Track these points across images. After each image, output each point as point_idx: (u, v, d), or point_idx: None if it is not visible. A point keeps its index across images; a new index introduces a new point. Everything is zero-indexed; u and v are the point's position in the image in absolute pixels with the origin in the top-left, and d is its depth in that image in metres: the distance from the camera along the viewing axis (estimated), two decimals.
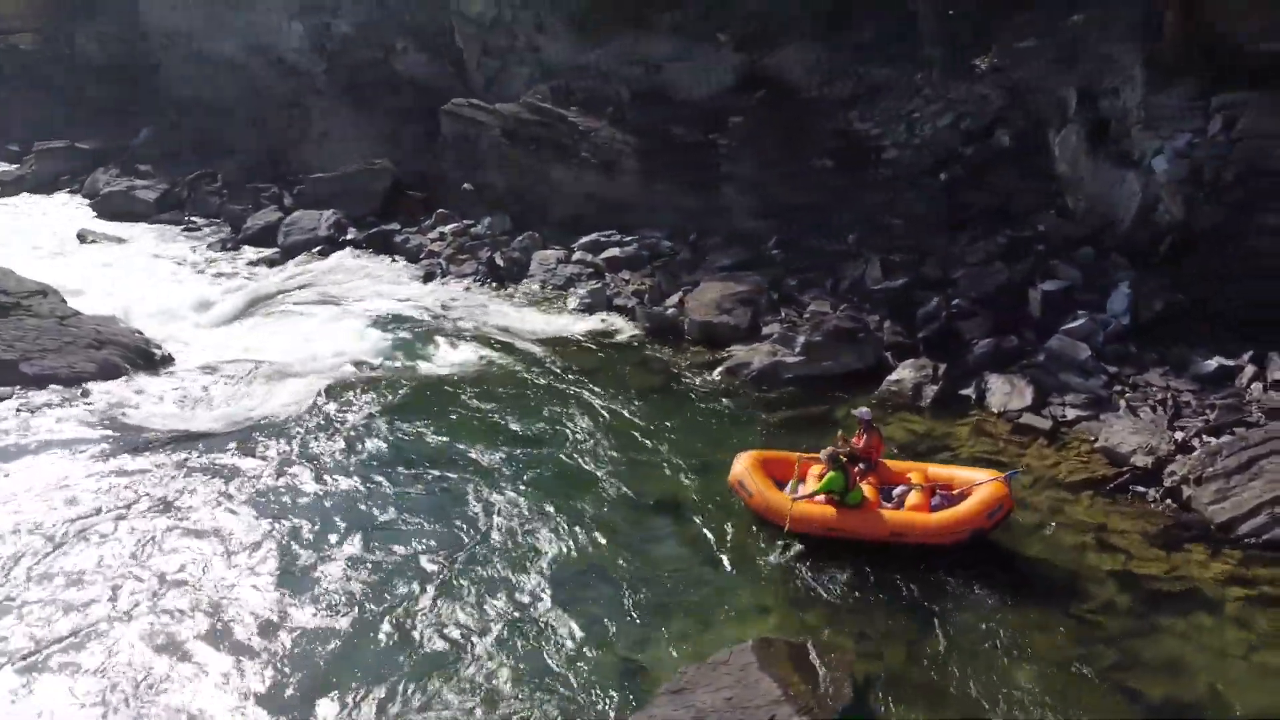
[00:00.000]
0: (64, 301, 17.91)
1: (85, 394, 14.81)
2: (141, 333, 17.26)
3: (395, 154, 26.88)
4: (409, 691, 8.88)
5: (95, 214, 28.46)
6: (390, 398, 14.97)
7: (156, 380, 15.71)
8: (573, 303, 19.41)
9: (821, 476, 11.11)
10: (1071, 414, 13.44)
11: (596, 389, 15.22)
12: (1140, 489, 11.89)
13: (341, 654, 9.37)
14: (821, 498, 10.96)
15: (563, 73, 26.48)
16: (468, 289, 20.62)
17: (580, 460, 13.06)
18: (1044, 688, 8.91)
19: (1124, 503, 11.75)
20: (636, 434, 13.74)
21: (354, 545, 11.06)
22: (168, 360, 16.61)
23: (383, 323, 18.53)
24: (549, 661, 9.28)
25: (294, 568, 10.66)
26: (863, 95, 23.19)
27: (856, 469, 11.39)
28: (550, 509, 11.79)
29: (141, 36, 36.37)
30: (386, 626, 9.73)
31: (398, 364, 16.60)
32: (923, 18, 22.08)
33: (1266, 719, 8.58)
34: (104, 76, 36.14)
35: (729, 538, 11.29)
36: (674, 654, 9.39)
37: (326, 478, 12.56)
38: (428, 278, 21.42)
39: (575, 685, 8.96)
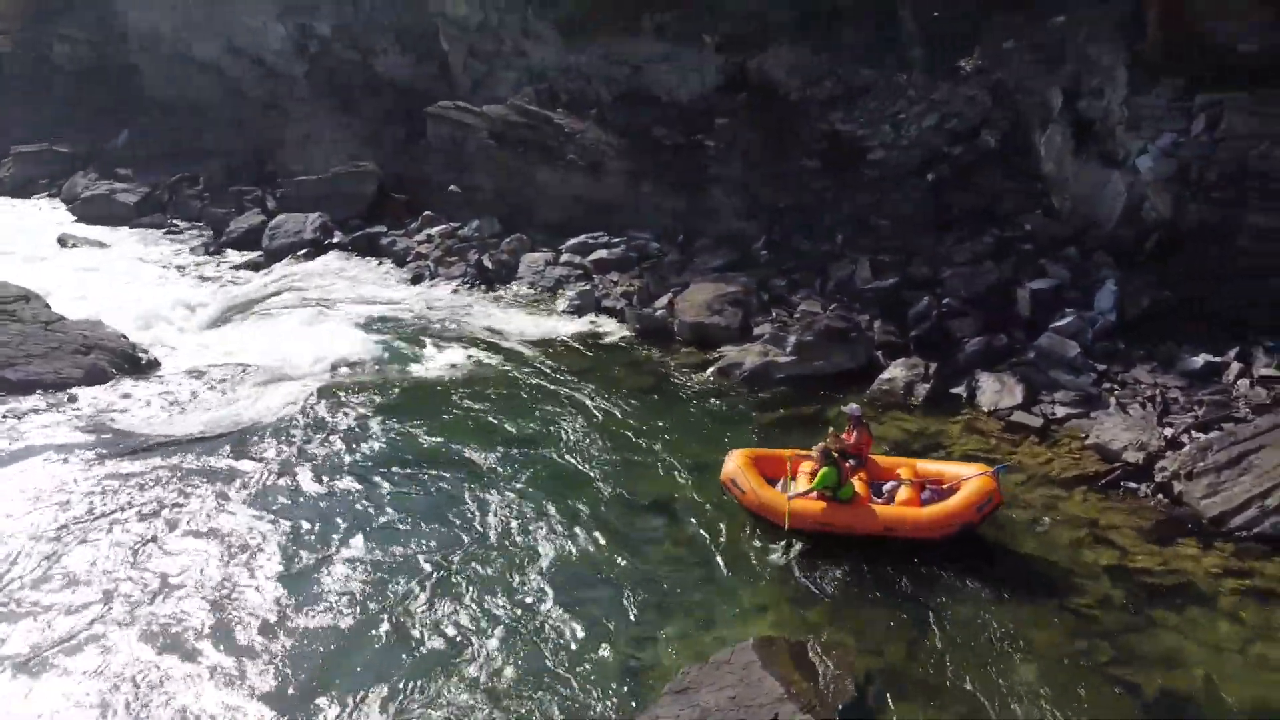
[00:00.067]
0: (47, 306, 17.71)
1: (73, 399, 14.66)
2: (127, 337, 17.09)
3: (378, 156, 26.80)
4: (410, 692, 8.83)
5: (75, 218, 28.24)
6: (381, 400, 14.89)
7: (144, 385, 15.56)
8: (562, 305, 19.39)
9: (813, 473, 11.19)
10: (1062, 411, 13.57)
11: (588, 390, 15.20)
12: (1132, 485, 12.01)
13: (340, 655, 9.32)
14: (815, 494, 11.01)
15: (549, 75, 26.48)
16: (456, 291, 20.55)
17: (575, 461, 13.04)
18: (1042, 682, 8.98)
19: (1116, 498, 11.87)
20: (630, 434, 13.73)
21: (350, 547, 11.00)
22: (154, 365, 16.46)
23: (372, 326, 18.43)
24: (549, 662, 9.26)
25: (291, 569, 10.59)
26: (847, 96, 23.30)
27: (847, 465, 11.46)
28: (546, 510, 11.77)
29: (120, 38, 36.02)
30: (385, 628, 9.68)
31: (388, 367, 16.51)
32: (906, 19, 22.22)
33: (1261, 711, 8.68)
34: (82, 79, 35.82)
35: (724, 537, 11.30)
36: (674, 653, 9.39)
37: (320, 480, 12.48)
38: (416, 280, 21.34)
39: (576, 685, 8.94)
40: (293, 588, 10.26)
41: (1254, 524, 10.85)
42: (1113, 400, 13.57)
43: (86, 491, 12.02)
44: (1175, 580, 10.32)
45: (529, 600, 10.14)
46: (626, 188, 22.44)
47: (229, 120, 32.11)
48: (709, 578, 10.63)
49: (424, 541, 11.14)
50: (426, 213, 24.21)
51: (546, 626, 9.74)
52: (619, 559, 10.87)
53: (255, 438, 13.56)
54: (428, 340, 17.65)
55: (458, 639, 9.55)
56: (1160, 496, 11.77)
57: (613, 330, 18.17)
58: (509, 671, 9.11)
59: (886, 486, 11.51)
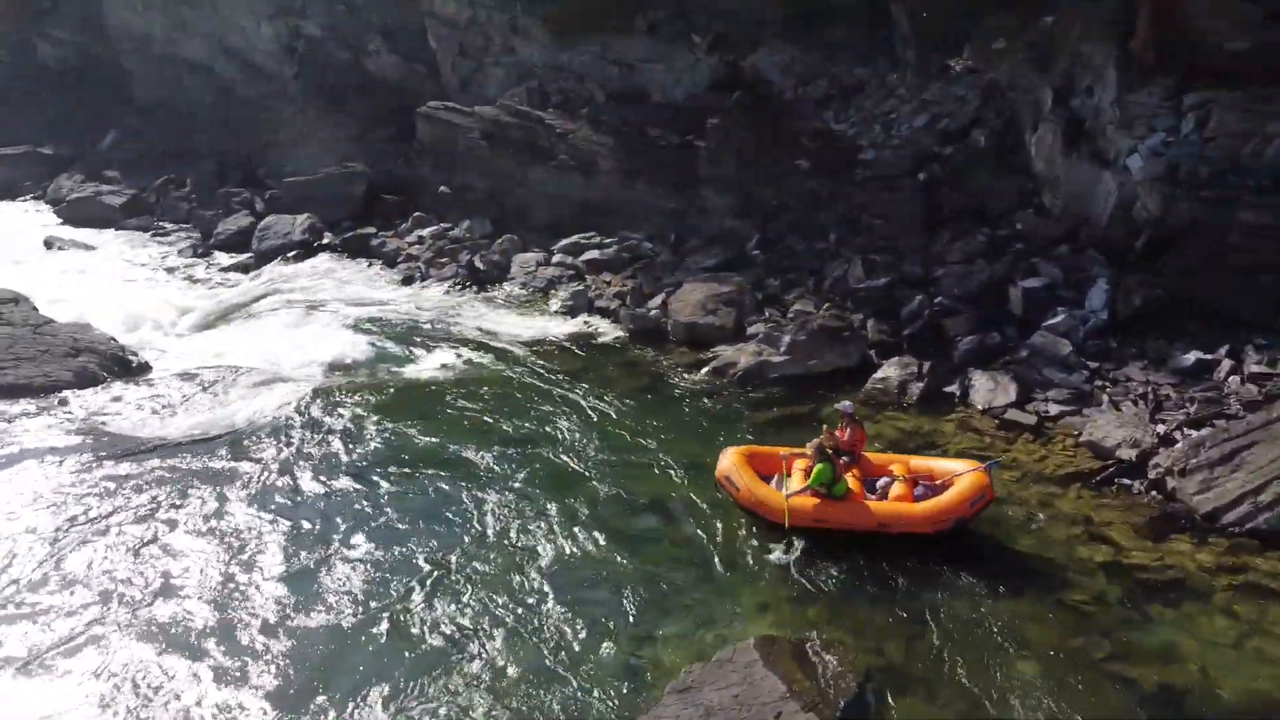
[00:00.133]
0: (36, 309, 17.59)
1: (63, 403, 14.55)
2: (117, 340, 16.97)
3: (368, 157, 26.70)
4: (410, 692, 8.81)
5: (61, 220, 27.99)
6: (375, 401, 14.84)
7: (135, 388, 15.45)
8: (554, 305, 19.37)
9: (807, 471, 11.23)
10: (1055, 409, 13.64)
11: (583, 390, 15.19)
12: (1126, 481, 12.10)
13: (339, 655, 9.28)
14: (810, 491, 11.04)
15: (539, 74, 26.45)
16: (448, 292, 20.50)
17: (571, 461, 13.03)
18: (1040, 677, 9.02)
19: (1110, 495, 11.94)
20: (625, 434, 13.73)
21: (348, 547, 10.96)
22: (145, 368, 16.34)
23: (363, 327, 18.36)
24: (550, 661, 9.25)
25: (289, 569, 10.55)
26: (839, 96, 23.41)
27: (841, 461, 11.50)
28: (543, 509, 11.76)
29: (106, 39, 35.75)
30: (385, 627, 9.66)
31: (380, 368, 16.46)
32: (898, 19, 22.29)
33: (1256, 704, 8.75)
34: (67, 80, 35.50)
35: (721, 535, 11.32)
36: (674, 652, 9.39)
37: (316, 481, 12.43)
38: (407, 281, 21.28)
39: (578, 684, 8.93)
40: (291, 588, 10.23)
41: (1247, 519, 10.94)
42: (1105, 398, 13.65)
43: (80, 495, 11.94)
44: (1170, 576, 10.40)
45: (528, 599, 10.12)
46: (619, 188, 22.41)
47: (218, 121, 31.92)
48: (707, 576, 10.65)
49: (422, 541, 11.10)
50: (417, 213, 24.14)
51: (547, 625, 9.72)
52: (617, 558, 10.87)
53: (248, 440, 13.50)
54: (420, 341, 17.60)
55: (457, 638, 9.53)
56: (1154, 493, 11.85)
57: (606, 331, 18.16)
58: (510, 671, 9.09)
59: (880, 483, 11.58)
